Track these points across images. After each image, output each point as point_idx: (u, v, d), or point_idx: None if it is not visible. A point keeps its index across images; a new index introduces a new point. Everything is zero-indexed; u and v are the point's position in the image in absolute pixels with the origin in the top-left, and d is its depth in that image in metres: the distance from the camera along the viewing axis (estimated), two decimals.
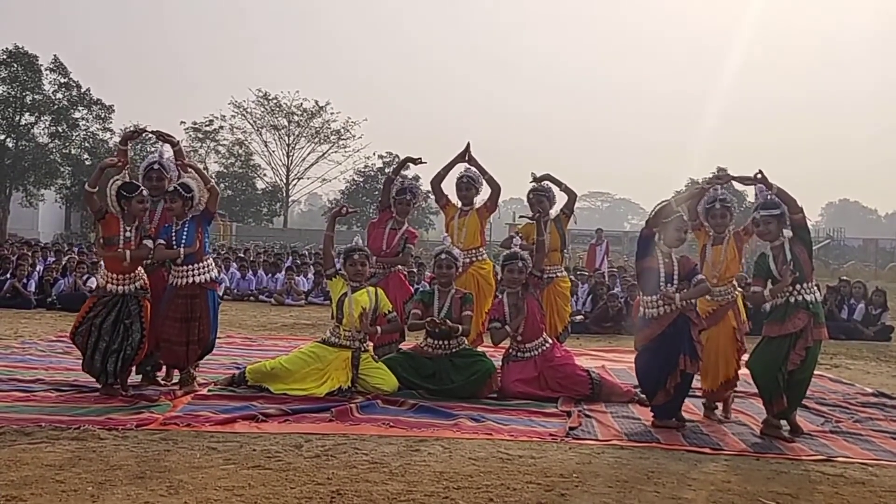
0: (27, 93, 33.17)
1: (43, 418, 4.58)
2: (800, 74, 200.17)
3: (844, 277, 14.47)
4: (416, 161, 6.85)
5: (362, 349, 5.80)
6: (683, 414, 5.10)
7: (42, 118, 33.91)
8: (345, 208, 6.53)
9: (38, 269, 12.65)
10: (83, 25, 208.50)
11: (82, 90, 34.28)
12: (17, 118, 33.44)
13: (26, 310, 11.17)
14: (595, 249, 18.37)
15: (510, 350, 6.00)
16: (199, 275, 5.50)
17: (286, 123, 47.23)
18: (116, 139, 30.62)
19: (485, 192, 6.77)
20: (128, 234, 5.34)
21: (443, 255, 6.03)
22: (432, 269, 6.40)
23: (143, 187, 5.49)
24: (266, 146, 47.52)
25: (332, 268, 6.03)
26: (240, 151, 47.36)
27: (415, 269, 12.58)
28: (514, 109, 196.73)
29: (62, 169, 34.18)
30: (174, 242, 5.45)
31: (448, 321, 5.80)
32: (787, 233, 4.99)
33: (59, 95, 34.00)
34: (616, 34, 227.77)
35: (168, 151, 5.97)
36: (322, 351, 5.74)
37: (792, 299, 4.90)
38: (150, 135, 6.29)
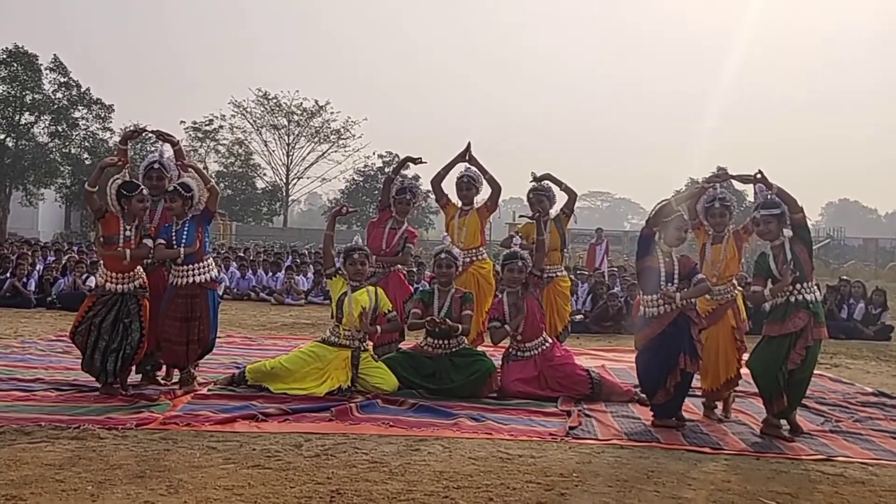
0: (27, 92, 33.15)
1: (43, 418, 4.58)
2: (800, 74, 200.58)
3: (844, 277, 14.48)
4: (416, 161, 6.86)
5: (362, 348, 5.80)
6: (683, 413, 5.10)
7: (42, 118, 33.90)
8: (345, 208, 6.53)
9: (37, 268, 12.66)
10: (83, 25, 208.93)
11: (82, 90, 34.28)
12: (17, 117, 33.43)
13: (26, 309, 11.17)
14: (595, 249, 18.37)
15: (510, 349, 6.00)
16: (199, 274, 5.50)
17: (286, 123, 47.27)
18: (116, 139, 30.58)
19: (485, 191, 6.77)
20: (128, 232, 5.34)
21: (443, 255, 6.03)
22: (432, 268, 6.40)
23: (143, 186, 5.49)
24: (266, 146, 47.64)
25: (332, 267, 6.03)
26: (240, 151, 47.39)
27: (414, 269, 12.57)
28: (514, 109, 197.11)
29: (62, 168, 34.18)
30: (174, 242, 5.45)
31: (448, 320, 5.80)
32: (788, 232, 4.99)
33: (59, 95, 33.99)
34: (616, 34, 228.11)
35: (168, 151, 5.97)
36: (322, 350, 5.74)
37: (792, 299, 4.90)
38: (150, 134, 6.29)
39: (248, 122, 47.08)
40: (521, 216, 7.33)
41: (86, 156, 34.57)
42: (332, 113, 47.02)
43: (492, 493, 3.57)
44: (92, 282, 10.51)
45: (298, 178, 48.59)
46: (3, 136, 33.23)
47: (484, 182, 6.70)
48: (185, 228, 5.48)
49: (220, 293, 7.01)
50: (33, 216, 37.09)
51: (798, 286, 4.89)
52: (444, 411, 5.10)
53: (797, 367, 4.85)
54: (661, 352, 4.97)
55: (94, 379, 5.41)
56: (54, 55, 33.82)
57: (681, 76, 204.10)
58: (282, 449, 4.16)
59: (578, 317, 10.52)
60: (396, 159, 33.07)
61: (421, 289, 6.48)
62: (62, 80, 33.88)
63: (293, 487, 3.55)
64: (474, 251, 6.62)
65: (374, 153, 51.38)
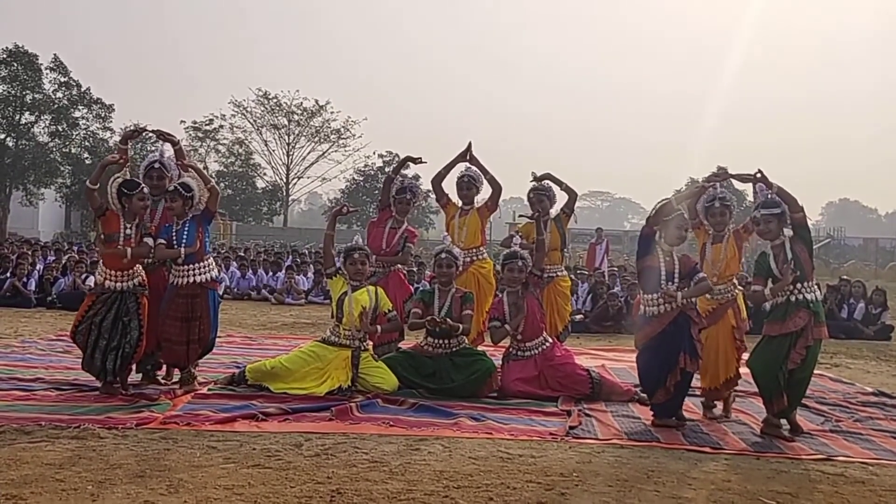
0: (27, 92, 33.16)
1: (43, 417, 4.58)
2: (800, 74, 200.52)
3: (844, 277, 14.49)
4: (416, 160, 6.86)
5: (362, 348, 5.80)
6: (683, 413, 5.10)
7: (42, 117, 33.91)
8: (345, 207, 6.53)
9: (38, 267, 12.67)
10: (83, 25, 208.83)
11: (82, 89, 34.28)
12: (17, 117, 33.44)
13: (26, 309, 11.18)
14: (595, 248, 18.37)
15: (510, 349, 6.00)
16: (199, 274, 5.50)
17: (286, 122, 47.29)
18: (116, 138, 30.57)
19: (485, 191, 6.77)
20: (128, 231, 5.35)
21: (443, 255, 6.03)
22: (432, 268, 6.40)
23: (143, 185, 5.50)
24: (266, 145, 47.65)
25: (333, 266, 6.03)
26: (240, 150, 47.40)
27: (414, 269, 12.57)
28: (514, 109, 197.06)
29: (62, 168, 34.19)
30: (175, 242, 5.45)
31: (448, 320, 5.80)
32: (788, 232, 5.00)
33: (59, 94, 34.00)
34: (616, 34, 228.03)
35: (168, 150, 5.97)
36: (322, 350, 5.74)
37: (792, 298, 4.90)
38: (151, 134, 6.30)
39: (249, 121, 47.19)
40: (521, 216, 7.33)
41: (86, 155, 34.57)
42: (332, 113, 47.12)
43: (492, 493, 3.57)
44: (92, 281, 10.50)
45: (298, 178, 48.70)
46: (3, 136, 33.24)
47: (484, 182, 6.70)
48: (186, 228, 5.48)
49: (221, 293, 7.01)
50: (33, 216, 37.09)
51: (798, 286, 4.89)
52: (444, 411, 5.10)
53: (797, 367, 4.85)
54: (661, 351, 4.97)
55: (94, 378, 5.42)
56: (54, 55, 33.91)
57: (681, 76, 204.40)
58: (282, 448, 4.16)
59: (578, 316, 10.52)
60: (396, 159, 33.06)
61: (421, 288, 6.48)
62: (62, 79, 33.89)
63: (293, 487, 3.54)
64: (475, 251, 6.62)
65: (374, 153, 51.40)
